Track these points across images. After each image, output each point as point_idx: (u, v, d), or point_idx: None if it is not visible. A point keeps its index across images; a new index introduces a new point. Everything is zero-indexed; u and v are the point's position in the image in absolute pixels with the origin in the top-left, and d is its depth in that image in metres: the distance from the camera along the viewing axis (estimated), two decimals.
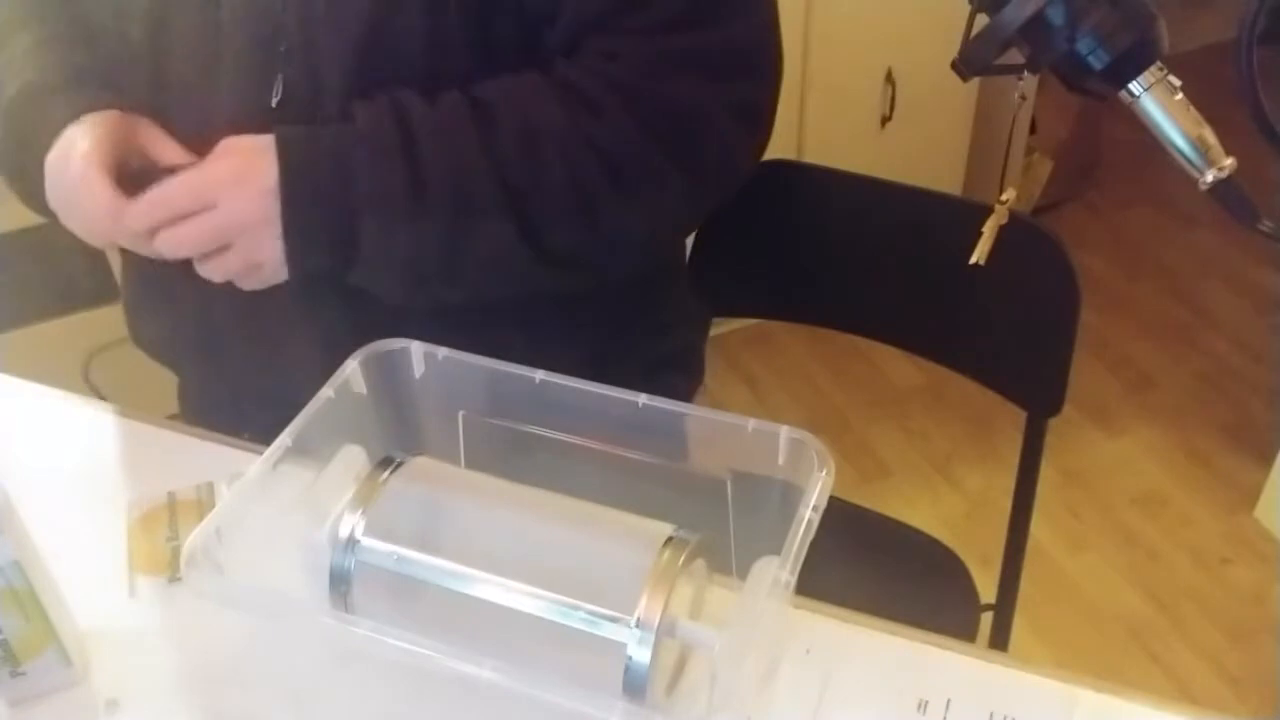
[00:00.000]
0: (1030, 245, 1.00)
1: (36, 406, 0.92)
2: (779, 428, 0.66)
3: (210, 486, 0.83)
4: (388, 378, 0.75)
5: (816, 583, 0.69)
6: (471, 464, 0.76)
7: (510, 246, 0.81)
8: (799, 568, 0.60)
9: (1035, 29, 0.62)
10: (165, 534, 0.79)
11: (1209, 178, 0.62)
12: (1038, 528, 1.16)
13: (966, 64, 0.64)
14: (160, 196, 0.79)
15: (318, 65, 0.82)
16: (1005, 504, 1.14)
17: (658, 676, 0.60)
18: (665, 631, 0.60)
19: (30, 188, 0.85)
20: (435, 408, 0.76)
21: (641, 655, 0.59)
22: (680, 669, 0.67)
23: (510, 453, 0.75)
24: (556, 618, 0.62)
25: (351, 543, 0.65)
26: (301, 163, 0.78)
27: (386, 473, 0.68)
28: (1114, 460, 2.05)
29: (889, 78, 2.13)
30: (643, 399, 0.70)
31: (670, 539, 0.62)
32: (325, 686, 0.70)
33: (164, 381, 1.09)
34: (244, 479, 0.67)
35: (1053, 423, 1.08)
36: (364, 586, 0.65)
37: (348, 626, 0.62)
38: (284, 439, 0.68)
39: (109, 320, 1.94)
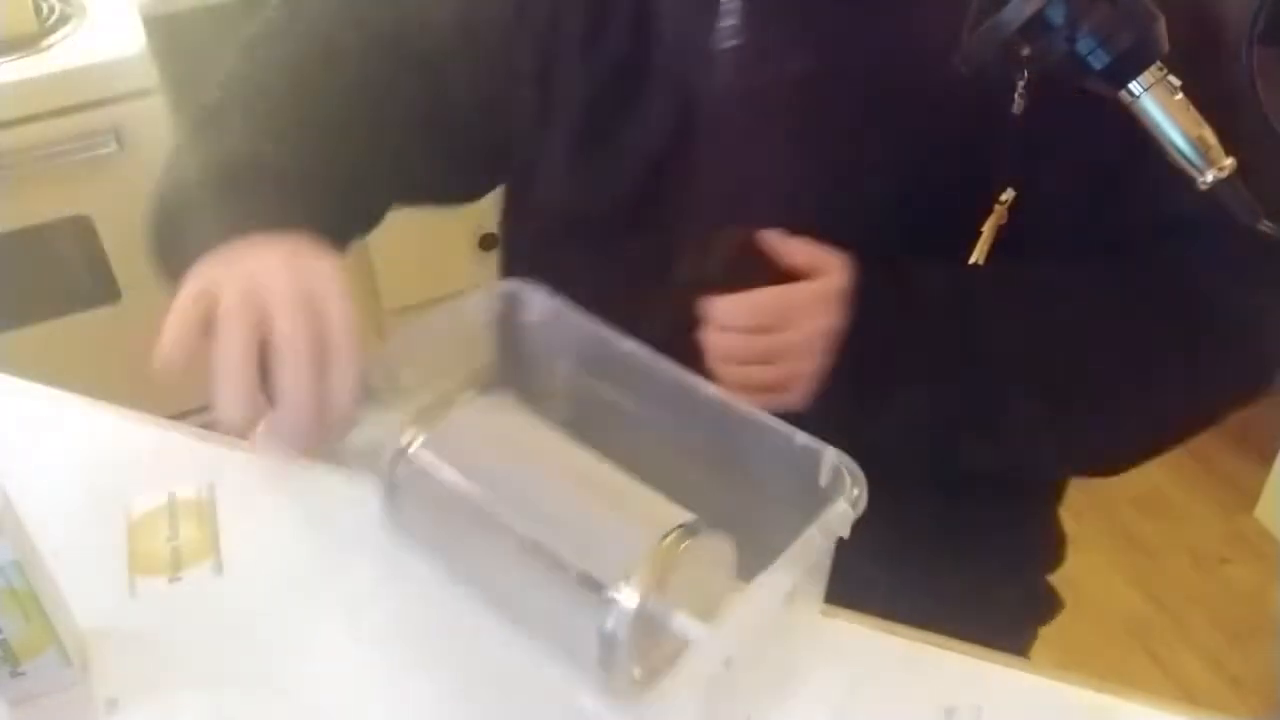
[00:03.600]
0: None
1: (36, 406, 0.92)
2: (824, 447, 0.66)
3: (210, 486, 0.83)
4: (506, 314, 0.77)
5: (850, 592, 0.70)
6: (550, 415, 0.77)
7: (1033, 438, 0.79)
8: (799, 576, 0.60)
9: (1035, 29, 0.62)
10: (165, 534, 0.79)
11: (1209, 178, 0.62)
12: None
13: (966, 64, 0.64)
14: (751, 305, 0.75)
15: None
16: None
17: (638, 655, 0.60)
18: (651, 612, 0.60)
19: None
20: (537, 353, 0.77)
21: (620, 629, 0.59)
22: (670, 663, 0.66)
23: (589, 414, 0.75)
24: (546, 571, 0.62)
25: (403, 453, 0.67)
26: (869, 317, 0.76)
27: (465, 397, 0.69)
28: None
29: None
30: (711, 388, 0.70)
31: (682, 525, 0.62)
32: (326, 687, 0.70)
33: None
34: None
35: None
36: (407, 497, 0.67)
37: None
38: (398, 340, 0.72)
39: (109, 320, 1.94)
